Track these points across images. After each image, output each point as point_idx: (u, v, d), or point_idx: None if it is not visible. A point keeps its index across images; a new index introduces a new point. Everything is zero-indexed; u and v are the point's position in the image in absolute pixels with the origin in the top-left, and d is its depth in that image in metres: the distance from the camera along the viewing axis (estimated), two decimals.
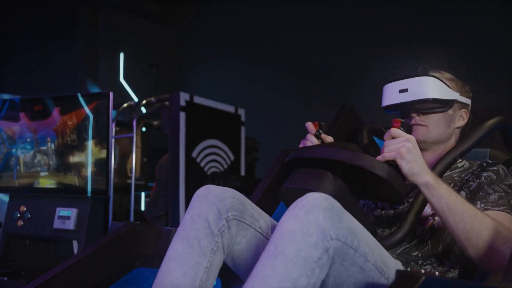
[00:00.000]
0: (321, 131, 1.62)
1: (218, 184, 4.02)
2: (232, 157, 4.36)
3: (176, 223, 3.76)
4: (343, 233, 1.19)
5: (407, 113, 1.67)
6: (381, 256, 1.30)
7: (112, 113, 2.78)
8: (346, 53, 5.39)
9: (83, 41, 6.24)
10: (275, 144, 3.02)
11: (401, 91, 1.64)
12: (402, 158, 1.36)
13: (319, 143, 1.61)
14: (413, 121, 1.66)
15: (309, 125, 1.63)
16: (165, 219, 4.09)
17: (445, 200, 1.36)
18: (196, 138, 4.03)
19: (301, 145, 1.64)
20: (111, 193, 3.77)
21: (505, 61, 4.47)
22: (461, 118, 1.72)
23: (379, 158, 1.38)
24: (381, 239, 1.44)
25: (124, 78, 6.40)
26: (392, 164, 1.36)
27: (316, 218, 1.17)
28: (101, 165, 2.81)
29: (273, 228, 1.51)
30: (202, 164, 4.06)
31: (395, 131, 1.41)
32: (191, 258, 1.36)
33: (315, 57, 5.70)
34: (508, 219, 1.44)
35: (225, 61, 6.54)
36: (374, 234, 1.43)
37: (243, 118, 4.49)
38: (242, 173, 4.46)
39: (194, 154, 3.99)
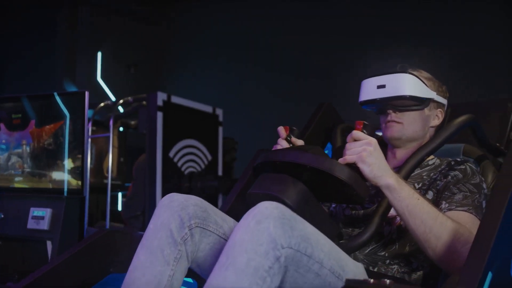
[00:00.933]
0: (291, 135, 1.63)
1: (195, 185, 4.06)
2: (209, 157, 4.36)
3: None
4: (296, 240, 1.20)
5: (383, 109, 1.69)
6: (338, 260, 1.31)
7: (87, 112, 2.77)
8: (324, 52, 5.41)
9: (61, 40, 6.18)
10: (254, 143, 3.02)
11: (379, 87, 1.64)
12: (363, 161, 1.36)
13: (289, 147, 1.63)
14: (388, 118, 1.68)
15: (280, 130, 1.64)
16: (142, 219, 4.07)
17: (406, 202, 1.37)
18: (174, 138, 4.02)
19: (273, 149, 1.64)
20: (86, 193, 3.76)
21: (489, 57, 4.52)
22: (436, 118, 1.74)
23: (340, 160, 1.39)
24: (348, 241, 1.45)
25: (102, 77, 6.35)
26: (354, 167, 1.37)
27: (266, 227, 1.18)
28: (77, 165, 2.79)
29: None
30: (179, 164, 4.05)
31: (356, 133, 1.42)
32: (154, 267, 1.37)
33: (293, 56, 5.71)
34: (470, 219, 1.45)
35: (204, 62, 6.52)
36: (340, 236, 1.45)
37: (221, 118, 4.49)
38: (220, 173, 4.46)
39: (171, 154, 3.98)
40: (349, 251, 1.45)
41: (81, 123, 2.75)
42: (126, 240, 1.83)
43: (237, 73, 6.17)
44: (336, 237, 1.43)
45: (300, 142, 1.65)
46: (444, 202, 1.51)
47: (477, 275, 1.05)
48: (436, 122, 1.74)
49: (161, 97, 3.90)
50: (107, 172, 4.08)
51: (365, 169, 1.36)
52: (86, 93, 2.74)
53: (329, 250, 1.29)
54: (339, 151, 1.89)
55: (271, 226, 1.18)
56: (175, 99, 4.02)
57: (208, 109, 4.40)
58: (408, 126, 1.67)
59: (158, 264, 1.37)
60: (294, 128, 1.64)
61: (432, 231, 1.35)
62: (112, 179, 4.38)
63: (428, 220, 1.36)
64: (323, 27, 5.51)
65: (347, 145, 1.41)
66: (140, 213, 4.09)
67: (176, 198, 1.45)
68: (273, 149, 1.64)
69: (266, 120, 5.31)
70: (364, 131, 1.43)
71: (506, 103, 2.02)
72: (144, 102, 4.00)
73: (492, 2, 4.59)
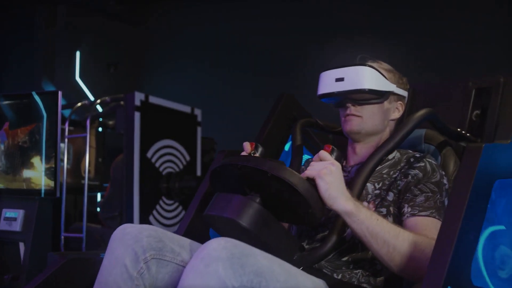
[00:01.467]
0: (256, 151, 1.60)
1: (174, 185, 4.04)
2: (188, 158, 4.34)
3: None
4: (248, 278, 1.19)
5: (342, 103, 1.66)
6: (296, 285, 1.30)
7: (60, 112, 2.75)
8: (300, 50, 5.42)
9: (39, 39, 6.12)
10: (233, 143, 3.00)
11: (337, 79, 1.62)
12: (321, 178, 1.36)
13: None
14: (347, 111, 1.65)
15: (245, 145, 1.60)
16: (119, 220, 4.04)
17: (366, 225, 1.37)
18: (151, 138, 3.99)
19: None
20: (63, 194, 3.73)
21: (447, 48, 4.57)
22: (396, 110, 1.72)
23: (301, 174, 1.39)
24: (309, 253, 1.44)
25: (81, 77, 6.30)
26: (313, 184, 1.37)
27: (215, 270, 1.17)
28: (51, 166, 2.76)
29: None
30: (157, 165, 4.03)
31: (323, 153, 1.42)
32: None
33: (270, 56, 5.71)
34: (434, 225, 1.45)
35: (183, 62, 6.50)
36: (302, 249, 1.45)
37: (199, 118, 4.47)
38: (199, 173, 4.44)
39: (149, 155, 3.96)
40: (311, 263, 1.44)
41: (55, 123, 2.72)
42: (89, 264, 1.78)
43: (216, 73, 6.15)
44: (297, 252, 1.43)
45: None
46: (406, 206, 1.51)
47: None
48: (396, 115, 1.72)
49: (138, 97, 3.87)
50: (85, 172, 4.04)
51: (322, 186, 1.36)
52: (59, 93, 2.71)
53: (285, 278, 1.28)
54: (298, 150, 1.86)
55: (220, 269, 1.17)
56: (153, 99, 3.99)
57: (186, 109, 4.38)
58: (367, 120, 1.65)
59: None
60: (259, 145, 1.61)
61: (395, 249, 1.35)
62: (90, 180, 4.35)
63: (390, 239, 1.35)
64: (297, 26, 5.52)
65: (311, 162, 1.42)
66: (118, 214, 4.06)
67: (128, 231, 1.42)
68: None
69: (245, 121, 5.29)
70: (332, 154, 1.43)
71: (467, 82, 1.99)
72: (122, 102, 3.97)
73: None
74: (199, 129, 4.47)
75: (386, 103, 1.66)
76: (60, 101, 2.71)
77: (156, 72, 6.80)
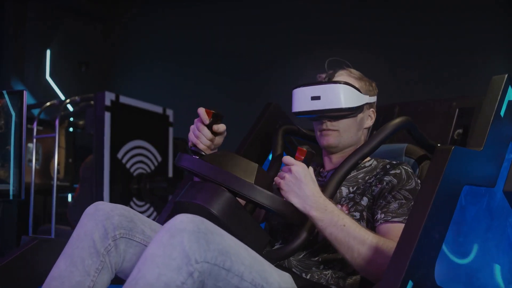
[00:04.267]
0: (215, 122, 1.56)
1: (145, 186, 3.99)
2: (159, 158, 4.30)
3: None
4: (212, 254, 1.18)
5: (317, 118, 1.68)
6: (261, 272, 1.29)
7: (25, 112, 2.69)
8: (272, 53, 5.44)
9: (8, 36, 6.01)
10: None
11: (313, 98, 1.61)
12: (281, 188, 1.40)
13: (211, 135, 1.57)
14: (324, 126, 1.67)
15: (202, 113, 1.56)
16: None
17: (329, 231, 1.37)
18: (122, 138, 3.95)
19: (190, 133, 1.59)
20: (31, 195, 3.66)
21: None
22: (369, 118, 1.74)
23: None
24: (278, 248, 1.44)
25: (51, 76, 6.20)
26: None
27: (180, 241, 1.15)
28: (16, 166, 2.70)
29: None
30: (128, 166, 3.98)
31: (285, 159, 1.43)
32: (73, 277, 1.33)
33: (242, 58, 5.71)
34: None
35: (155, 62, 6.45)
36: (271, 244, 1.43)
37: (171, 119, 4.44)
38: (170, 174, 4.40)
39: (119, 155, 3.91)
40: (279, 258, 1.43)
41: (19, 123, 2.66)
42: (58, 248, 1.77)
43: (189, 74, 6.13)
44: (266, 245, 1.41)
45: (222, 129, 1.60)
46: (379, 212, 1.50)
47: (396, 284, 1.04)
48: (369, 123, 1.75)
49: (109, 96, 3.82)
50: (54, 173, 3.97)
51: (284, 194, 1.40)
52: (25, 92, 2.65)
53: (251, 262, 1.27)
54: (278, 159, 1.84)
55: (185, 241, 1.15)
56: (124, 99, 3.94)
57: (158, 109, 4.34)
58: (343, 133, 1.67)
59: (77, 274, 1.34)
60: (219, 113, 1.56)
61: (360, 255, 1.36)
62: (59, 180, 4.29)
63: (355, 245, 1.36)
64: (272, 29, 5.54)
65: (282, 168, 1.44)
66: None
67: (101, 207, 1.41)
68: (191, 132, 1.58)
69: None
70: (304, 157, 1.44)
71: (451, 102, 2.03)
72: (92, 102, 3.91)
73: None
74: (171, 129, 4.43)
75: (360, 114, 1.67)
76: (25, 101, 2.65)
77: (128, 72, 6.74)
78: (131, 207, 3.96)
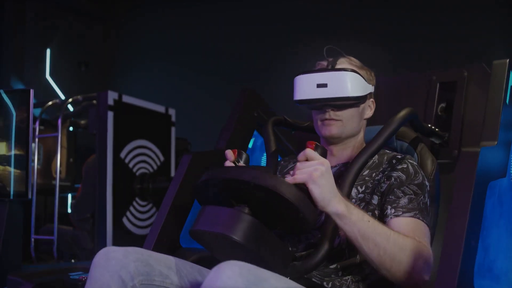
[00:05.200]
0: (240, 160, 1.51)
1: (147, 186, 3.97)
2: (162, 158, 4.28)
3: (103, 226, 3.65)
4: None
5: (320, 106, 1.60)
6: None
7: (32, 111, 2.68)
8: (273, 53, 5.44)
9: (8, 36, 5.98)
10: (206, 144, 2.97)
11: (319, 85, 1.54)
12: (313, 182, 1.28)
13: None
14: (327, 116, 1.60)
15: (228, 153, 1.50)
16: (91, 222, 3.96)
17: (358, 227, 1.33)
18: (125, 138, 3.92)
19: None
20: (33, 196, 3.64)
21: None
22: (369, 108, 1.69)
23: (289, 180, 1.30)
24: (302, 263, 1.39)
25: (51, 75, 6.18)
26: (302, 188, 1.29)
27: None
28: (22, 166, 2.68)
29: (187, 274, 1.45)
30: (130, 165, 3.96)
31: (310, 152, 1.33)
32: None
33: (244, 58, 5.70)
34: (417, 225, 1.44)
35: (157, 62, 6.44)
36: (294, 259, 1.40)
37: (173, 118, 4.41)
38: (173, 174, 4.38)
39: (122, 155, 3.88)
40: (305, 273, 1.39)
41: (26, 123, 2.64)
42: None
43: (191, 73, 6.11)
44: (291, 261, 1.37)
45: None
46: (389, 207, 1.48)
47: None
48: (369, 113, 1.70)
49: (111, 96, 3.79)
50: (56, 173, 3.95)
51: (315, 190, 1.28)
52: (31, 91, 2.63)
53: None
54: (273, 151, 1.77)
55: None
56: (126, 99, 3.92)
57: (160, 109, 4.31)
58: (347, 123, 1.61)
59: None
60: (243, 152, 1.52)
61: (386, 252, 1.32)
62: (61, 181, 4.27)
63: (381, 242, 1.32)
64: (270, 32, 5.55)
65: (298, 164, 1.33)
66: (90, 216, 3.98)
67: (112, 256, 1.32)
68: None
69: (220, 122, 5.26)
70: (317, 151, 1.34)
71: (430, 76, 1.98)
72: (94, 101, 3.89)
73: None
74: (173, 129, 4.41)
75: (362, 104, 1.63)
76: (32, 100, 2.63)
77: (129, 71, 6.72)
78: (134, 207, 3.94)
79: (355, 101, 1.57)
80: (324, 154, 1.36)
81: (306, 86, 1.57)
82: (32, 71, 6.05)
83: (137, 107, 4.07)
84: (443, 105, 1.94)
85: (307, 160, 1.33)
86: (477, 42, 4.21)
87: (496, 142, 1.38)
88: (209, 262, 1.56)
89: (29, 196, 2.60)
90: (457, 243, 1.12)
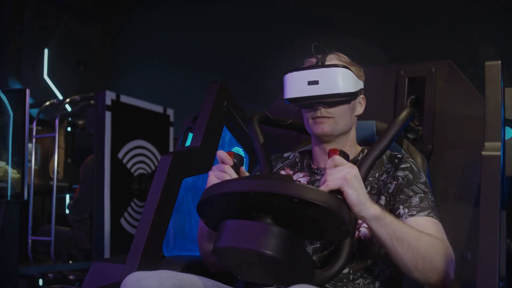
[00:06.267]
0: (235, 161, 1.44)
1: (145, 187, 3.94)
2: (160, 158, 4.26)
3: (100, 227, 3.63)
4: None
5: (313, 105, 1.56)
6: None
7: (28, 111, 2.65)
8: (273, 53, 5.43)
9: (6, 35, 5.96)
10: None
11: (310, 82, 1.51)
12: (349, 185, 1.25)
13: (236, 176, 1.43)
14: (318, 113, 1.56)
15: (225, 156, 1.44)
16: (89, 223, 3.94)
17: (392, 228, 1.30)
18: (123, 138, 3.90)
19: (212, 178, 1.43)
20: (30, 196, 3.61)
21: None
22: (359, 105, 1.65)
23: (322, 187, 1.26)
24: (323, 271, 1.35)
25: (49, 75, 6.16)
26: (335, 194, 1.25)
27: None
28: (19, 167, 2.66)
29: None
30: (128, 166, 3.94)
31: (339, 159, 1.29)
32: None
33: (243, 58, 5.70)
34: (434, 224, 1.44)
35: (155, 62, 6.42)
36: (316, 266, 1.37)
37: (172, 119, 4.39)
38: None
39: (120, 155, 3.86)
40: (328, 280, 1.36)
41: (22, 123, 2.62)
42: None
43: (189, 73, 6.10)
44: (315, 270, 1.33)
45: (246, 173, 1.51)
46: (402, 207, 1.46)
47: None
48: (360, 110, 1.65)
49: (109, 96, 3.77)
50: (53, 173, 3.93)
51: (352, 193, 1.25)
52: (27, 91, 2.60)
53: None
54: (265, 150, 1.72)
55: None
56: (124, 99, 3.90)
57: (158, 109, 4.29)
58: (339, 120, 1.56)
59: None
60: (236, 153, 1.46)
61: (419, 252, 1.31)
62: (59, 181, 4.24)
63: (413, 242, 1.31)
64: (268, 30, 5.56)
65: (328, 171, 1.28)
66: (88, 216, 3.96)
67: (147, 284, 1.25)
68: (213, 178, 1.43)
69: None
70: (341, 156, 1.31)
71: (398, 70, 1.98)
72: (92, 101, 3.86)
73: None
74: (171, 129, 4.39)
75: (353, 100, 1.60)
76: (28, 100, 2.60)
77: (127, 71, 6.71)
78: (132, 208, 3.92)
79: (347, 98, 1.53)
80: (348, 160, 1.33)
81: (297, 84, 1.54)
82: (29, 71, 6.03)
83: (135, 107, 4.05)
84: (412, 97, 1.95)
85: (335, 166, 1.30)
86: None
87: (500, 142, 1.37)
88: (195, 269, 1.53)
89: (25, 197, 2.57)
90: (493, 245, 1.15)
